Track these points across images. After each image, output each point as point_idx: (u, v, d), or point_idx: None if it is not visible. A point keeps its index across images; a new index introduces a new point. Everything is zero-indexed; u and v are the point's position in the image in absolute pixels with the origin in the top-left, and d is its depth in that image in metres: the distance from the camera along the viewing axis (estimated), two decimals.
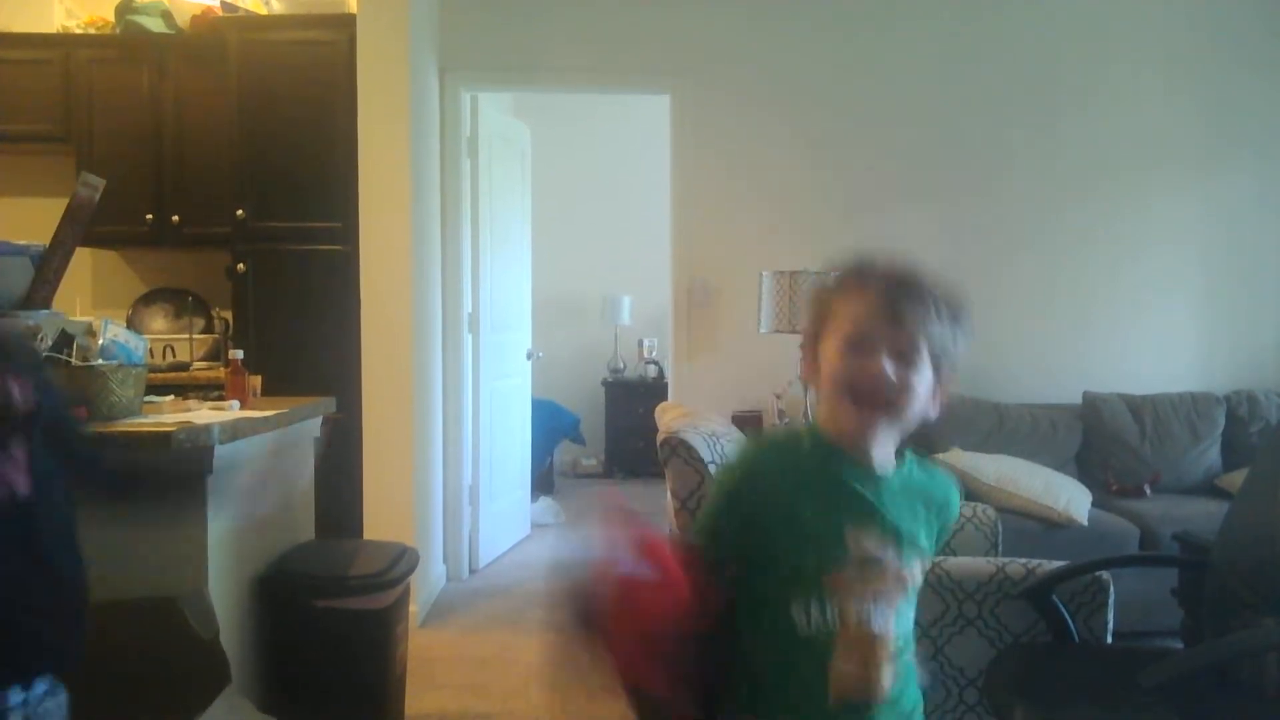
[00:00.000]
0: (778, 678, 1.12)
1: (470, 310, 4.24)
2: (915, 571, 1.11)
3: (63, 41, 3.77)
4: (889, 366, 1.09)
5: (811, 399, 2.48)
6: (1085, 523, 3.30)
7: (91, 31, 3.84)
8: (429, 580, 3.75)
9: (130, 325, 3.82)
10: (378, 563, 2.37)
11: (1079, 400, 4.04)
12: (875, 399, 1.10)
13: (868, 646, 1.06)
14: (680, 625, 1.09)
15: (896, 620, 1.09)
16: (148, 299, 3.99)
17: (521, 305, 4.96)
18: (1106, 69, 4.22)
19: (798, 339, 3.95)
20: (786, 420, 3.87)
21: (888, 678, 1.07)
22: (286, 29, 3.58)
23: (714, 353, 4.19)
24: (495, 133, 4.48)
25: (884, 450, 1.14)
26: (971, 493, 3.37)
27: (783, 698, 1.12)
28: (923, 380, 1.11)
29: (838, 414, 1.13)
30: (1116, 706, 1.71)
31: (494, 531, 4.49)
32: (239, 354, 2.46)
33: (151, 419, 2.02)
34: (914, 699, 1.18)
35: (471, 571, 4.27)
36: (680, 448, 1.99)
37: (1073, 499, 3.35)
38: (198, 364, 3.73)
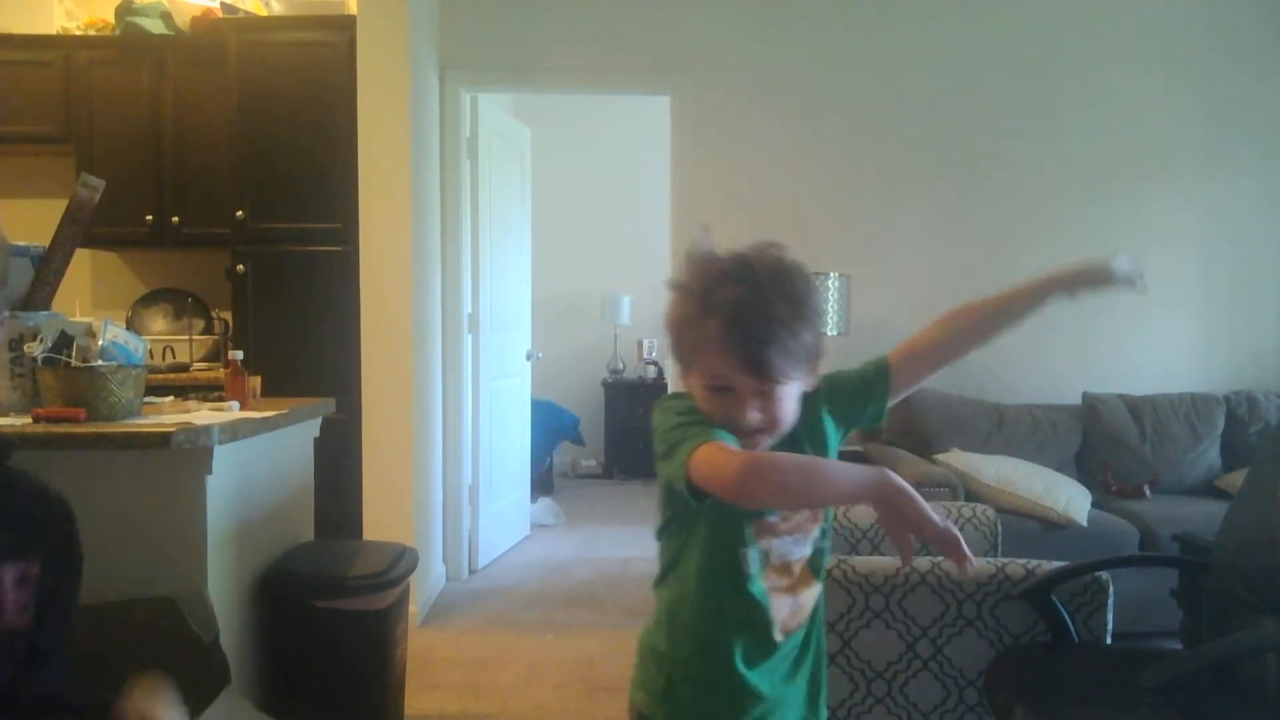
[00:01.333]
0: (729, 614, 1.20)
1: (470, 310, 4.24)
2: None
3: (63, 43, 3.77)
4: (754, 412, 1.13)
5: None
6: (1085, 523, 3.30)
7: (91, 33, 3.84)
8: (429, 580, 3.75)
9: (130, 326, 3.82)
10: (377, 563, 2.37)
11: (1079, 400, 4.04)
12: (747, 432, 1.14)
13: (789, 577, 1.21)
14: None
15: (813, 545, 1.23)
16: (147, 300, 3.99)
17: (521, 305, 4.96)
18: (1107, 70, 4.22)
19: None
20: None
21: (808, 603, 1.23)
22: (286, 30, 3.58)
23: None
24: (495, 133, 4.48)
25: (774, 440, 1.18)
26: (971, 493, 3.37)
27: (733, 633, 1.20)
28: (791, 391, 1.16)
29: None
30: (1116, 707, 1.71)
31: (494, 532, 4.49)
32: (239, 355, 2.46)
33: (151, 420, 2.02)
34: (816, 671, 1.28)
35: (471, 572, 4.27)
36: None
37: (1072, 500, 3.35)
38: (197, 365, 3.73)
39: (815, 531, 1.23)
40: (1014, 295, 1.29)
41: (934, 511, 1.06)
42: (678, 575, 1.24)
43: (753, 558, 1.19)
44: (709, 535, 1.20)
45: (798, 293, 1.14)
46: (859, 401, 1.27)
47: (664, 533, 1.26)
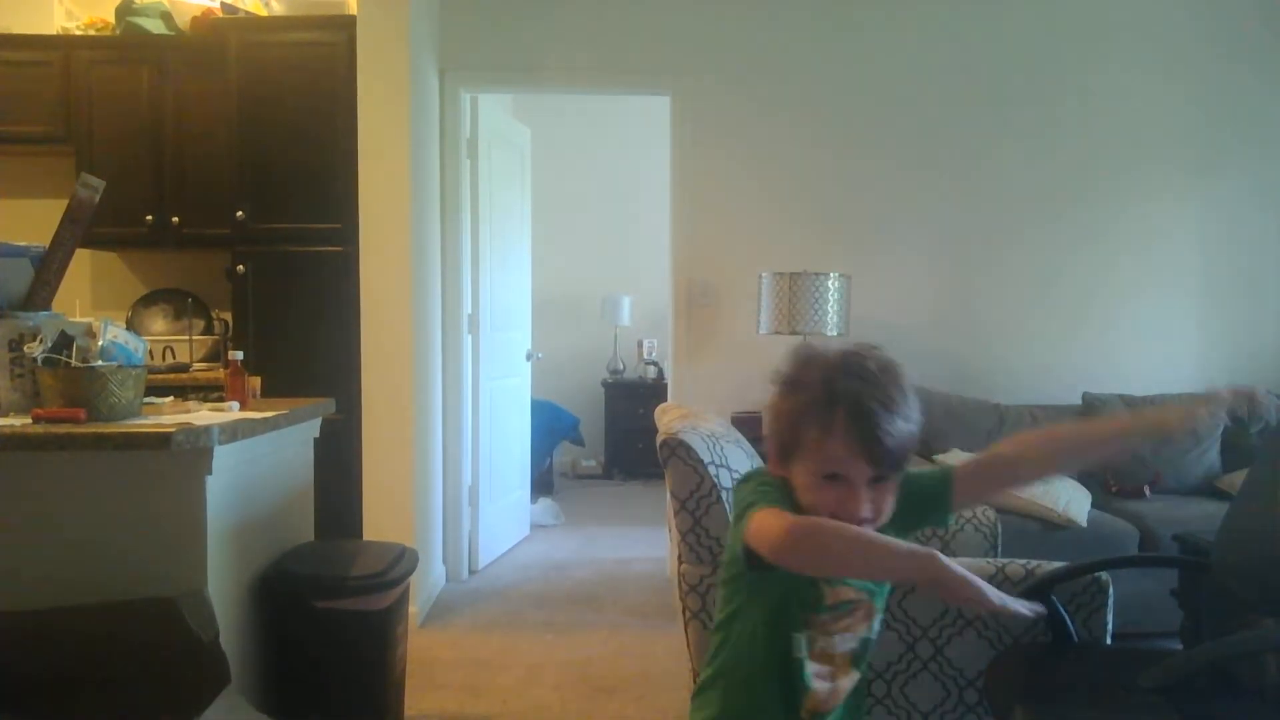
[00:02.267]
0: (761, 682, 1.24)
1: (470, 310, 4.24)
2: (880, 606, 1.28)
3: (63, 43, 3.77)
4: (867, 501, 1.17)
5: None
6: (1085, 524, 3.30)
7: (91, 33, 3.84)
8: (429, 580, 3.75)
9: (130, 326, 3.82)
10: (378, 563, 2.37)
11: (1079, 400, 4.04)
12: (858, 522, 1.17)
13: (830, 665, 1.24)
14: None
15: (858, 640, 1.26)
16: (147, 300, 3.99)
17: (521, 305, 4.96)
18: (1106, 68, 4.22)
19: (797, 339, 3.91)
20: None
21: (845, 688, 1.25)
22: (286, 30, 3.58)
23: (714, 353, 4.19)
24: (495, 133, 4.48)
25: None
26: None
27: (758, 697, 1.24)
28: (896, 484, 1.20)
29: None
30: (1116, 707, 1.71)
31: (494, 532, 4.49)
32: (238, 355, 2.47)
33: (151, 420, 2.02)
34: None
35: (471, 572, 4.27)
36: (680, 449, 1.99)
37: (1072, 500, 3.35)
38: (197, 365, 3.73)
39: (864, 630, 1.26)
40: (1101, 432, 1.32)
41: (989, 589, 1.09)
42: (730, 640, 1.27)
43: (803, 643, 1.23)
44: (765, 610, 1.24)
45: (906, 388, 1.20)
46: (918, 512, 1.29)
47: (724, 608, 1.30)
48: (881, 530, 1.24)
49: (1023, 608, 1.13)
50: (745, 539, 1.15)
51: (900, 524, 1.26)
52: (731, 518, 1.26)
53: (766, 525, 1.12)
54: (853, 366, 1.18)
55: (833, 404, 1.16)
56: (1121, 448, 1.32)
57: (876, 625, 1.28)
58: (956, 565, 1.09)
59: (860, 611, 1.24)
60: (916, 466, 1.29)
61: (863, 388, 1.16)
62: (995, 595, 1.09)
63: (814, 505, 1.19)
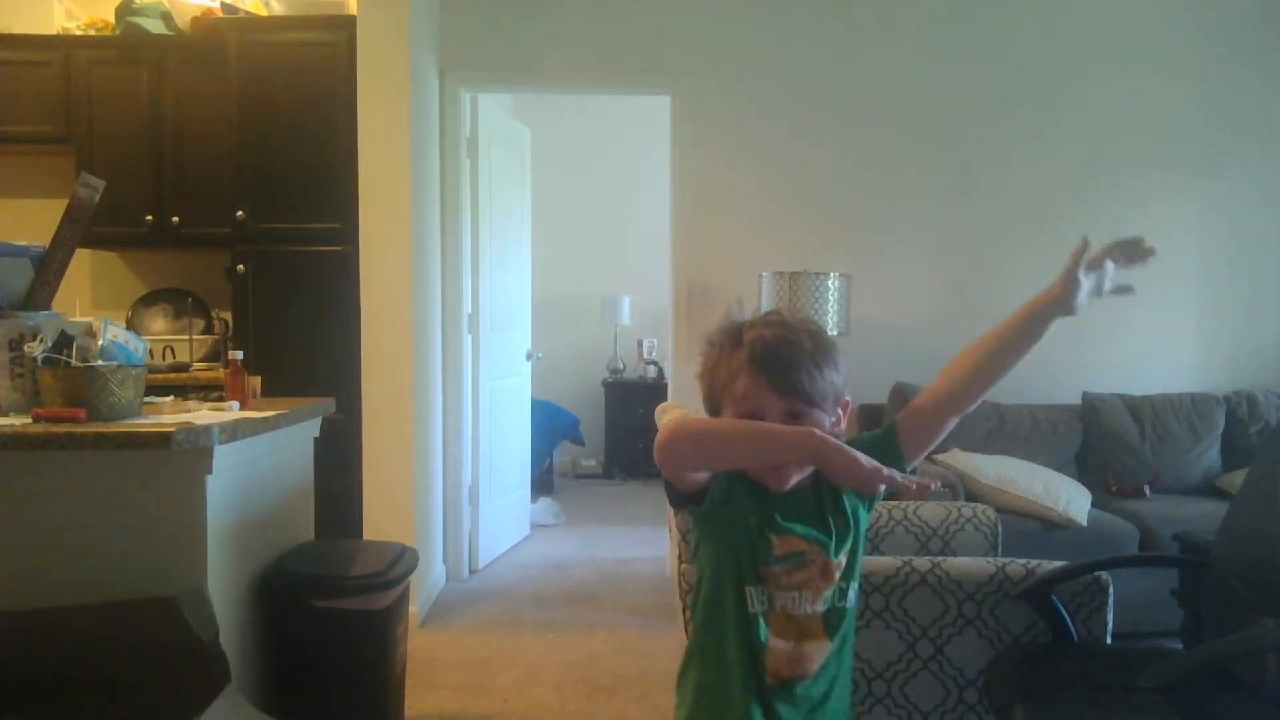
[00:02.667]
0: (726, 648, 1.25)
1: (470, 310, 4.24)
2: (842, 557, 1.26)
3: (63, 43, 3.77)
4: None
5: None
6: (1085, 523, 3.30)
7: (91, 33, 3.84)
8: (429, 580, 3.75)
9: (130, 326, 3.82)
10: (378, 563, 2.37)
11: (1079, 400, 4.04)
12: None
13: (795, 627, 1.24)
14: None
15: (829, 596, 1.25)
16: (148, 300, 3.99)
17: (521, 305, 4.96)
18: (1106, 68, 4.22)
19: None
20: None
21: (814, 656, 1.25)
22: (286, 30, 3.58)
23: None
24: (495, 133, 4.48)
25: (799, 479, 1.25)
26: (971, 493, 3.37)
27: (728, 666, 1.25)
28: (819, 422, 1.23)
29: (760, 478, 1.25)
30: (1116, 706, 1.71)
31: (494, 531, 4.49)
32: (239, 355, 2.47)
33: (151, 419, 2.02)
34: (842, 702, 1.30)
35: (471, 572, 4.27)
36: None
37: (1072, 499, 3.35)
38: (198, 365, 3.73)
39: (829, 590, 1.25)
40: (1004, 327, 1.36)
41: (863, 458, 1.13)
42: (699, 605, 1.30)
43: (757, 597, 1.23)
44: (715, 562, 1.26)
45: (822, 335, 1.27)
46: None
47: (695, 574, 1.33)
48: (845, 496, 1.28)
49: (900, 476, 1.14)
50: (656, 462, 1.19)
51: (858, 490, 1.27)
52: None
53: (660, 433, 1.18)
54: (765, 319, 1.26)
55: (739, 345, 1.24)
56: (1031, 331, 1.37)
57: (852, 596, 1.27)
58: (832, 439, 1.13)
59: (814, 566, 1.24)
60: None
61: (766, 330, 1.24)
62: (869, 462, 1.12)
63: None
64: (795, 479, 1.23)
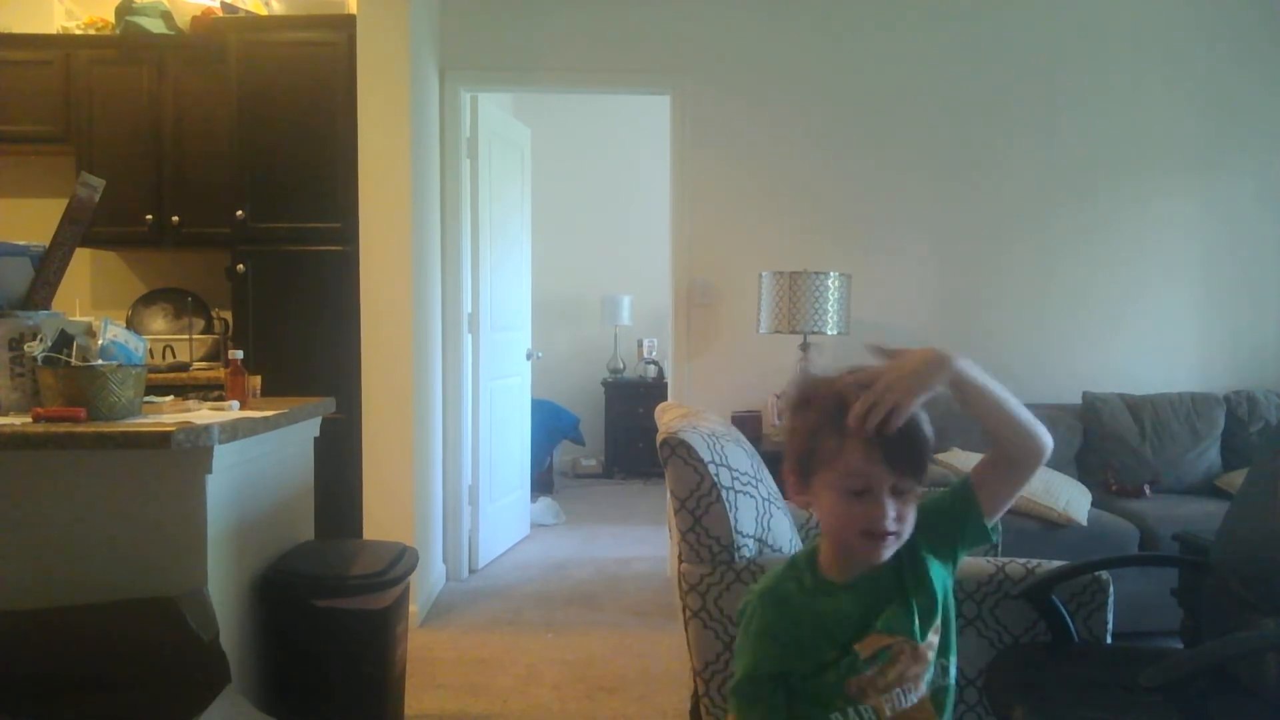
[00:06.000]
0: None
1: (470, 310, 4.24)
2: (932, 636, 1.20)
3: (63, 42, 3.77)
4: (891, 509, 1.15)
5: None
6: (1085, 523, 3.30)
7: (91, 32, 3.84)
8: (429, 580, 3.75)
9: (130, 326, 3.82)
10: (378, 563, 2.37)
11: (1079, 400, 4.05)
12: (883, 536, 1.15)
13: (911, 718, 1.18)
14: None
15: (930, 677, 1.19)
16: (148, 299, 3.99)
17: (521, 305, 4.96)
18: (1106, 68, 4.22)
19: (798, 339, 3.90)
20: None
21: None
22: (286, 30, 3.58)
23: (714, 353, 4.19)
24: (495, 133, 4.48)
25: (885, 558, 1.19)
26: None
27: None
28: (916, 499, 1.18)
29: (850, 551, 1.19)
30: (1116, 706, 1.71)
31: (494, 531, 4.49)
32: (239, 354, 2.46)
33: (151, 419, 2.02)
34: None
35: (471, 571, 4.27)
36: (680, 448, 1.99)
37: (1072, 499, 3.35)
38: (197, 364, 3.73)
39: (923, 673, 1.19)
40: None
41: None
42: None
43: (853, 716, 1.18)
44: (809, 706, 1.20)
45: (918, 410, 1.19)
46: (951, 523, 1.24)
47: None
48: (923, 562, 1.20)
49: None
50: None
51: (939, 546, 1.22)
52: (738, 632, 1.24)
53: None
54: (861, 379, 1.16)
55: (846, 412, 1.15)
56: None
57: (953, 671, 1.22)
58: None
59: (905, 656, 1.17)
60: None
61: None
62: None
63: (838, 528, 1.17)
64: (891, 547, 1.16)
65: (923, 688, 1.19)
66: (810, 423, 1.19)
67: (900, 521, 1.15)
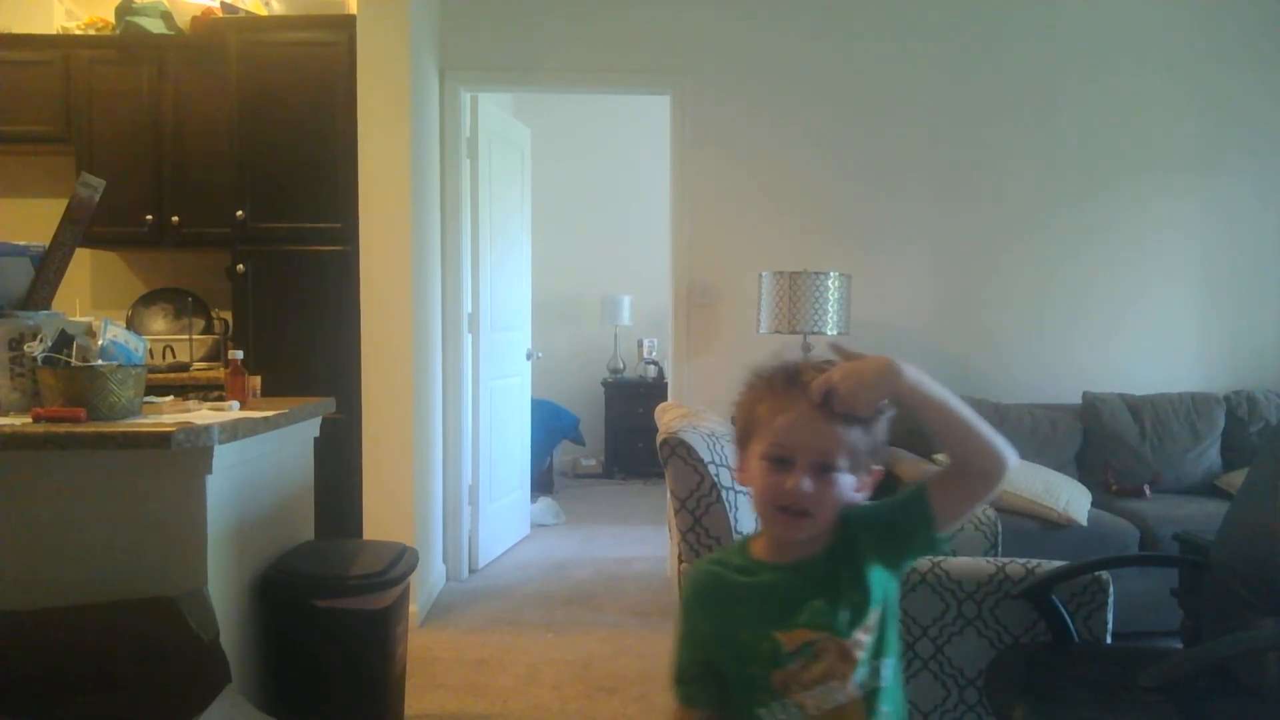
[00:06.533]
0: None
1: (470, 310, 4.24)
2: (860, 635, 1.16)
3: (63, 42, 3.77)
4: (808, 484, 1.14)
5: None
6: (1085, 523, 3.30)
7: (91, 32, 3.84)
8: (429, 580, 3.75)
9: (130, 326, 3.82)
10: (378, 563, 2.37)
11: (1079, 400, 4.05)
12: (798, 513, 1.15)
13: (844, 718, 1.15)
14: None
15: (861, 678, 1.16)
16: (148, 299, 3.99)
17: (521, 305, 4.96)
18: (1106, 69, 4.22)
19: (798, 339, 3.91)
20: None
21: None
22: (286, 30, 3.58)
23: (714, 353, 4.19)
24: (495, 133, 4.48)
25: (810, 543, 1.19)
26: None
27: None
28: (844, 481, 1.16)
29: (771, 527, 1.20)
30: (1116, 706, 1.71)
31: (494, 531, 4.49)
32: (239, 354, 2.47)
33: (151, 419, 2.02)
34: None
35: (471, 571, 4.27)
36: (680, 448, 1.99)
37: (1072, 499, 3.35)
38: (197, 364, 3.73)
39: (854, 675, 1.16)
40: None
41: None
42: None
43: (779, 711, 1.16)
44: (738, 692, 1.20)
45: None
46: (899, 529, 1.20)
47: None
48: (862, 560, 1.18)
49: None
50: None
51: (884, 550, 1.19)
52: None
53: None
54: (821, 363, 1.20)
55: (791, 385, 1.18)
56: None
57: (886, 672, 1.18)
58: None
59: (830, 654, 1.14)
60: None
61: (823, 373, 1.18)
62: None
63: (760, 501, 1.19)
64: (805, 529, 1.16)
65: (852, 687, 1.15)
66: (756, 393, 1.23)
67: (818, 502, 1.14)
